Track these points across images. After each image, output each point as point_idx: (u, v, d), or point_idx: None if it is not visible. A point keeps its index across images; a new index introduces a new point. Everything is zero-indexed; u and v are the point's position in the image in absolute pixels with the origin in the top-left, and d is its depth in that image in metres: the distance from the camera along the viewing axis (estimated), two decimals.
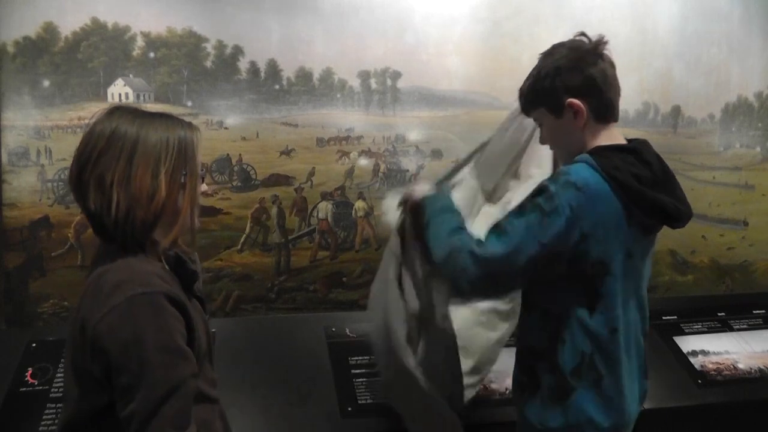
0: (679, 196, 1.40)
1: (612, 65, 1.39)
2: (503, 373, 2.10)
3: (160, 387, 1.00)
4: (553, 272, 1.33)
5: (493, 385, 2.17)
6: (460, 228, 1.38)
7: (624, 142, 1.42)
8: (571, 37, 1.41)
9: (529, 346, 1.46)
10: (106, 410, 1.05)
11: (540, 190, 1.31)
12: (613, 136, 1.40)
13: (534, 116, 1.47)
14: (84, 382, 1.08)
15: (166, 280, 1.08)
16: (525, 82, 1.44)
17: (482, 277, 1.30)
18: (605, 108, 1.38)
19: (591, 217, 1.28)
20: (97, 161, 1.06)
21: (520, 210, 1.32)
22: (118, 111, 1.11)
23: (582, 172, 1.30)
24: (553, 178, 1.34)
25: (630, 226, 1.33)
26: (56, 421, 1.89)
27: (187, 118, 1.07)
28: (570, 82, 1.35)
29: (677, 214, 1.35)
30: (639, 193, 1.30)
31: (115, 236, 1.08)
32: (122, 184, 1.06)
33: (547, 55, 1.41)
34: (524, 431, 1.47)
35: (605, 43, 1.38)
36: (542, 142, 1.50)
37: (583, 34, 1.40)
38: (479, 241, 1.33)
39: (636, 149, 1.37)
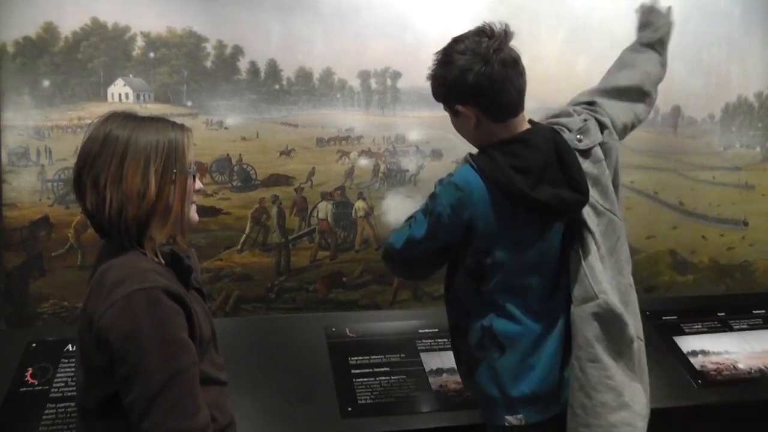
0: (572, 181, 1.43)
1: (506, 63, 1.40)
2: None
3: (158, 377, 1.06)
4: (452, 258, 1.56)
5: None
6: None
7: (524, 129, 1.48)
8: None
9: (454, 323, 1.64)
10: (114, 398, 1.11)
11: (432, 193, 1.47)
12: (514, 128, 1.46)
13: (443, 108, 1.55)
14: (92, 372, 1.15)
15: (162, 275, 1.15)
16: (427, 79, 1.51)
17: (392, 264, 1.61)
18: (497, 109, 1.43)
19: (472, 212, 1.41)
20: (92, 164, 1.15)
21: (423, 207, 1.49)
22: (113, 116, 1.19)
23: (465, 173, 1.43)
24: (443, 179, 1.47)
25: (514, 217, 1.41)
26: (56, 421, 1.90)
27: (187, 118, 1.11)
28: (457, 90, 1.43)
29: (561, 205, 1.41)
30: (513, 191, 1.38)
31: (111, 234, 1.16)
32: (115, 183, 1.13)
33: (439, 60, 1.47)
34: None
35: (504, 39, 1.42)
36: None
37: (484, 27, 1.45)
38: (393, 233, 1.58)
39: (524, 139, 1.44)
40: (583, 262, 1.48)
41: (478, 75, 1.38)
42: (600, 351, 1.45)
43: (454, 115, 1.49)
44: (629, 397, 1.45)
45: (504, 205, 1.41)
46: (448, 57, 1.44)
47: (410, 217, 1.54)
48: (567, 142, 1.49)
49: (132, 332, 1.06)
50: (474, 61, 1.39)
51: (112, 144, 1.15)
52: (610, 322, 1.45)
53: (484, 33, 1.43)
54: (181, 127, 1.23)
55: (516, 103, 1.45)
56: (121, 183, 1.13)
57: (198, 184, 1.27)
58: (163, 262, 1.19)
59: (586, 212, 1.50)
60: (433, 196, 1.46)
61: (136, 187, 1.14)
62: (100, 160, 1.14)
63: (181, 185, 1.19)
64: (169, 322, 1.09)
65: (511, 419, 1.50)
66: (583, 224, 1.50)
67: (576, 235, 1.51)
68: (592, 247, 1.49)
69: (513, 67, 1.42)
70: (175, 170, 1.18)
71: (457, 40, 1.45)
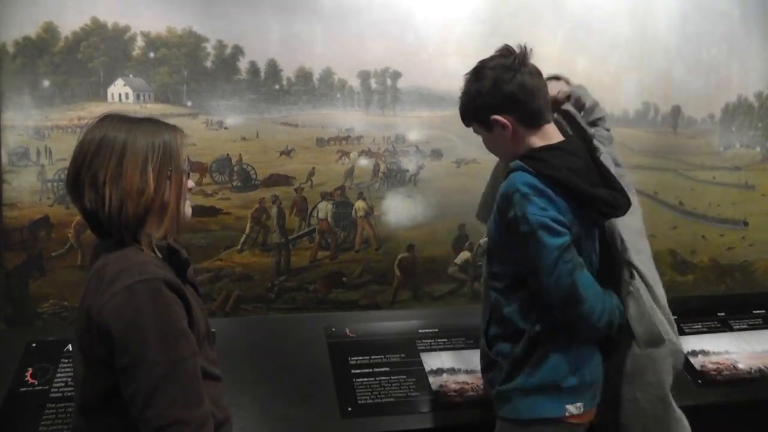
0: (617, 186, 1.54)
1: (533, 73, 1.51)
2: None
3: (160, 366, 1.07)
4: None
5: None
6: None
7: (560, 138, 1.55)
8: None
9: (521, 309, 1.56)
10: (114, 391, 1.12)
11: (517, 222, 1.44)
12: (547, 135, 1.54)
13: (472, 128, 1.63)
14: (92, 365, 1.15)
15: (161, 267, 1.17)
16: (459, 100, 1.60)
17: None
18: (531, 116, 1.52)
19: (556, 209, 1.43)
20: (90, 163, 1.16)
21: (533, 247, 1.42)
22: (107, 119, 1.22)
23: (522, 179, 1.45)
24: (509, 203, 1.45)
25: (576, 217, 1.46)
26: (56, 421, 1.90)
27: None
28: (491, 101, 1.51)
29: (615, 203, 1.50)
30: (577, 187, 1.44)
31: (110, 230, 1.17)
32: (114, 181, 1.16)
33: (471, 78, 1.56)
34: None
35: (526, 54, 1.51)
36: (485, 146, 1.64)
37: (506, 47, 1.53)
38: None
39: (561, 147, 1.52)
40: (639, 299, 1.60)
41: (512, 84, 1.48)
42: (669, 394, 1.65)
43: (489, 129, 1.55)
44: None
45: (566, 201, 1.46)
46: (479, 73, 1.53)
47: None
48: (597, 151, 1.60)
49: (133, 323, 1.07)
50: (505, 72, 1.49)
51: (110, 144, 1.17)
52: (678, 364, 1.66)
53: (508, 51, 1.53)
54: (174, 127, 1.27)
55: (547, 110, 1.54)
56: (120, 180, 1.16)
57: (190, 183, 1.31)
58: (159, 255, 1.21)
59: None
60: (525, 223, 1.43)
61: (135, 184, 1.16)
62: (98, 159, 1.16)
63: (177, 182, 1.23)
64: (170, 313, 1.11)
65: (572, 408, 1.52)
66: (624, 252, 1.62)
67: (618, 261, 1.63)
68: (642, 287, 1.61)
69: (539, 78, 1.53)
70: (170, 168, 1.22)
71: (484, 61, 1.55)
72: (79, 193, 1.18)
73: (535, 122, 1.52)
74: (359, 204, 2.65)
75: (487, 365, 1.67)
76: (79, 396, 1.21)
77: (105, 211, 1.15)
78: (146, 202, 1.17)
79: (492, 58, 1.55)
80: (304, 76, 2.53)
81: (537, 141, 1.52)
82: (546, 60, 1.56)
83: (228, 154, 2.50)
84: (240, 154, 2.51)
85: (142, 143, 1.19)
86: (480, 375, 2.20)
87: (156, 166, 1.19)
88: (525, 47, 1.52)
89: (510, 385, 1.56)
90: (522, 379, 1.54)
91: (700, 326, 2.65)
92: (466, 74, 1.58)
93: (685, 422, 1.71)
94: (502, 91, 1.49)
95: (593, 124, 1.72)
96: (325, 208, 2.62)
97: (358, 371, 2.21)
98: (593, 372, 1.57)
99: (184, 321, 1.14)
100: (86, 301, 1.15)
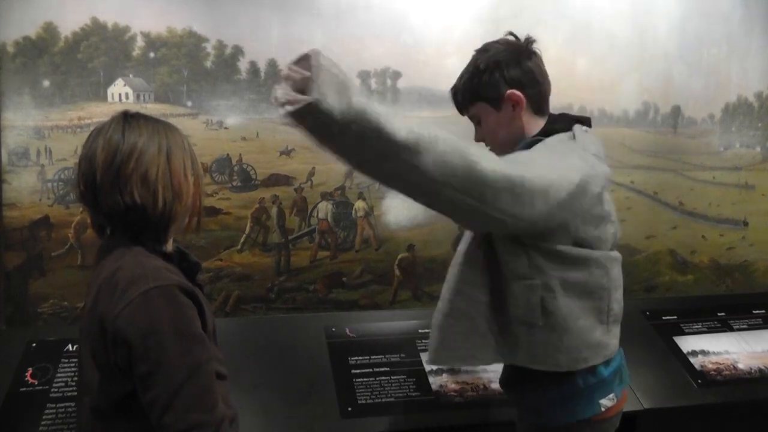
0: None
1: (542, 62, 1.48)
2: None
3: (179, 372, 1.08)
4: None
5: (493, 385, 2.17)
6: None
7: None
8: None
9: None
10: (132, 396, 1.13)
11: None
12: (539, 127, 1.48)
13: (471, 112, 1.50)
14: (106, 372, 1.15)
15: (174, 272, 1.17)
16: (459, 79, 1.49)
17: None
18: (542, 100, 1.46)
19: None
20: (139, 159, 1.15)
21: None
22: (140, 118, 1.21)
23: None
24: None
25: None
26: (56, 421, 1.90)
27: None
28: (509, 74, 1.42)
29: None
30: None
31: (158, 227, 1.18)
32: (165, 179, 1.17)
33: (482, 51, 1.46)
34: None
35: (534, 41, 1.47)
36: (477, 139, 1.51)
37: (511, 33, 1.48)
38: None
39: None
40: None
41: (531, 61, 1.43)
42: None
43: (498, 107, 1.44)
44: None
45: None
46: (492, 49, 1.45)
47: None
48: None
49: (151, 329, 1.08)
50: (522, 51, 1.44)
51: (155, 143, 1.17)
52: None
53: (515, 37, 1.49)
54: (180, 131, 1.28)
55: (549, 100, 1.51)
56: (171, 179, 1.17)
57: None
58: (171, 260, 1.22)
59: None
60: None
61: (182, 184, 1.19)
62: (147, 157, 1.16)
63: (198, 185, 1.25)
64: (185, 318, 1.12)
65: (606, 401, 1.45)
66: None
67: None
68: None
69: (545, 68, 1.49)
70: (194, 170, 1.24)
71: (493, 41, 1.48)
72: (121, 187, 1.14)
73: (542, 109, 1.46)
74: (359, 204, 2.65)
75: (510, 376, 1.58)
76: (93, 400, 1.21)
77: (157, 209, 1.16)
78: (187, 203, 1.20)
79: (502, 39, 1.48)
80: None
81: (536, 129, 1.45)
82: (546, 60, 1.56)
83: (228, 154, 2.50)
84: (240, 154, 2.51)
85: (179, 145, 1.20)
86: (480, 375, 2.21)
87: (190, 168, 1.21)
88: (529, 36, 1.47)
89: (544, 392, 1.47)
90: (555, 387, 1.45)
91: (700, 326, 2.66)
92: (476, 50, 1.48)
93: None
94: (522, 66, 1.41)
95: None
96: (325, 208, 2.62)
97: (358, 371, 2.21)
98: (616, 358, 1.51)
99: (199, 325, 1.15)
100: (99, 307, 1.14)
